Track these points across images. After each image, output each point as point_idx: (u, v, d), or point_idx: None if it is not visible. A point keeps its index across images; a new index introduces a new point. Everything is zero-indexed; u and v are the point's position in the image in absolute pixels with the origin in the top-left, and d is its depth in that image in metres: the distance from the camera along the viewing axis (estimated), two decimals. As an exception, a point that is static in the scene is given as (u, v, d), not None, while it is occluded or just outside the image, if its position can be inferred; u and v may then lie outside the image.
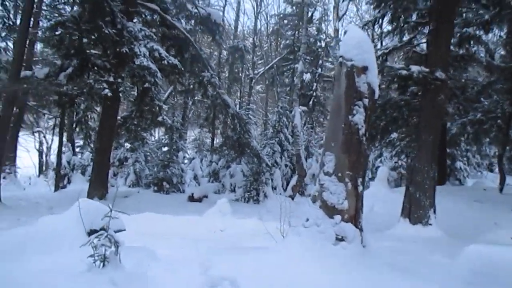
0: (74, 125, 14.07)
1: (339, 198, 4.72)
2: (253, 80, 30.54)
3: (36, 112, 24.70)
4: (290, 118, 19.96)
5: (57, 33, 11.43)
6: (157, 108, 12.21)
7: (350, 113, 4.84)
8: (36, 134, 28.53)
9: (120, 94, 10.93)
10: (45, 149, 28.66)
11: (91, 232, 6.18)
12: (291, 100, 24.35)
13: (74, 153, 19.24)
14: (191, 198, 14.49)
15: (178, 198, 14.98)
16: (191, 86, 16.27)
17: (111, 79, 10.53)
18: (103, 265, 4.48)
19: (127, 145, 19.43)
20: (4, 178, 18.97)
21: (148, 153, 20.21)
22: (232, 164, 17.30)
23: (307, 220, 4.84)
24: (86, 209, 6.24)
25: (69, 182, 17.93)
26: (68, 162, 18.03)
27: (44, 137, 27.57)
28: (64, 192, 15.10)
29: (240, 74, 27.35)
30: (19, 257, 5.22)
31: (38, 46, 21.61)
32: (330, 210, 4.73)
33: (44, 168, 27.47)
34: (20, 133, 24.24)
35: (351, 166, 4.78)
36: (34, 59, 19.77)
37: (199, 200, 14.57)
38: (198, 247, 7.32)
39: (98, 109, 14.23)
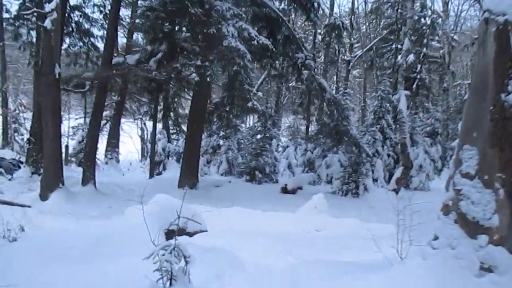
0: (162, 112, 13.85)
1: (485, 210, 3.33)
2: (351, 64, 28.68)
3: (137, 100, 25.60)
4: (393, 102, 18.04)
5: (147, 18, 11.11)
6: (247, 93, 11.37)
7: (502, 90, 3.39)
8: (138, 121, 29.72)
9: (208, 79, 10.29)
10: (146, 136, 29.85)
11: (168, 233, 5.49)
12: (394, 82, 22.24)
13: (169, 140, 19.39)
14: (284, 190, 13.55)
15: (270, 189, 14.14)
16: (285, 70, 15.22)
17: (199, 62, 9.90)
18: (170, 283, 3.65)
19: (221, 132, 19.11)
20: (106, 163, 19.81)
21: (242, 141, 19.70)
22: (329, 154, 16.01)
23: (436, 238, 3.53)
24: (164, 207, 5.57)
25: (164, 169, 18.09)
26: (163, 149, 18.17)
27: (144, 124, 28.59)
28: (158, 179, 15.09)
29: (336, 58, 25.70)
30: (88, 259, 4.71)
31: (139, 37, 22.18)
32: (472, 227, 3.37)
33: (145, 154, 28.62)
34: (123, 120, 25.39)
35: (504, 165, 3.35)
36: (134, 49, 20.21)
37: (293, 191, 13.57)
38: (290, 253, 6.33)
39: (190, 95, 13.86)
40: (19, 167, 13.16)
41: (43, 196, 10.33)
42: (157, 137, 18.70)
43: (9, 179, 12.16)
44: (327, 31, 14.66)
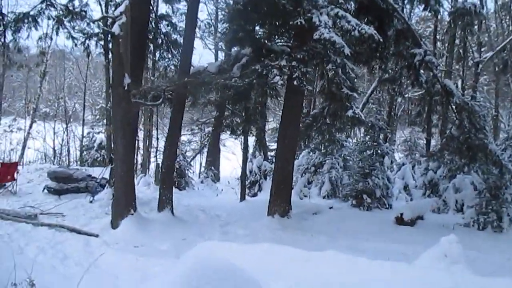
0: (242, 126, 12.11)
1: None
2: (480, 66, 24.41)
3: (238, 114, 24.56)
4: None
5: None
6: (347, 99, 8.99)
7: None
8: (242, 136, 28.75)
9: (296, 83, 8.24)
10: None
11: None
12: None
13: (266, 158, 17.68)
14: (400, 220, 10.79)
15: (381, 218, 11.47)
16: (398, 73, 12.54)
17: (283, 62, 7.94)
18: None
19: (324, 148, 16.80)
20: (201, 182, 18.78)
21: (349, 157, 17.15)
22: (458, 174, 12.79)
23: None
24: (205, 270, 3.58)
25: (260, 189, 16.40)
26: (259, 168, 16.49)
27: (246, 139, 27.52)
28: (250, 203, 13.37)
29: (463, 55, 21.97)
30: None
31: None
32: None
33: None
34: (226, 136, 24.37)
35: None
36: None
37: (411, 223, 10.76)
38: None
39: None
40: (104, 187, 12.44)
41: (114, 223, 9.18)
42: (253, 154, 17.18)
43: (90, 201, 11.39)
44: (453, 19, 11.65)
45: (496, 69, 26.95)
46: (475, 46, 24.68)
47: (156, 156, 20.68)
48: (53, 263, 7.11)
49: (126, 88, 8.75)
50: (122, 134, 8.91)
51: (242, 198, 13.58)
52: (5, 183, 12.31)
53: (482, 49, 26.80)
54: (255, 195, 16.21)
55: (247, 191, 16.64)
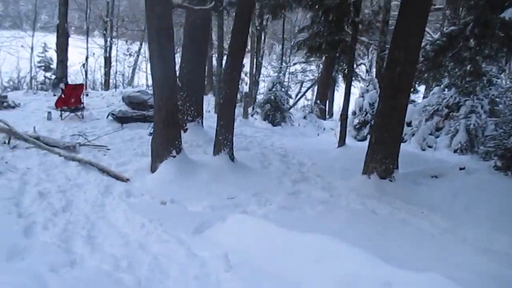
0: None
1: None
2: None
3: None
4: None
5: None
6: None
7: None
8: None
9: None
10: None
11: None
12: None
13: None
14: None
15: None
16: None
17: None
18: None
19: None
20: (304, 118, 16.06)
21: (498, 99, 12.70)
22: None
23: None
24: None
25: (370, 132, 13.07)
26: (371, 105, 13.02)
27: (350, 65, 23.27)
28: (349, 150, 10.24)
29: None
30: None
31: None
32: None
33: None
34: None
35: None
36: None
37: None
38: None
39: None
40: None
41: (153, 166, 7.19)
42: (363, 86, 13.74)
43: (150, 133, 9.53)
44: None
45: None
46: None
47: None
48: (47, 216, 5.33)
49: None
50: (159, 51, 6.54)
51: (341, 143, 10.57)
52: (77, 106, 11.16)
53: None
54: (364, 139, 12.98)
55: (354, 133, 13.53)
